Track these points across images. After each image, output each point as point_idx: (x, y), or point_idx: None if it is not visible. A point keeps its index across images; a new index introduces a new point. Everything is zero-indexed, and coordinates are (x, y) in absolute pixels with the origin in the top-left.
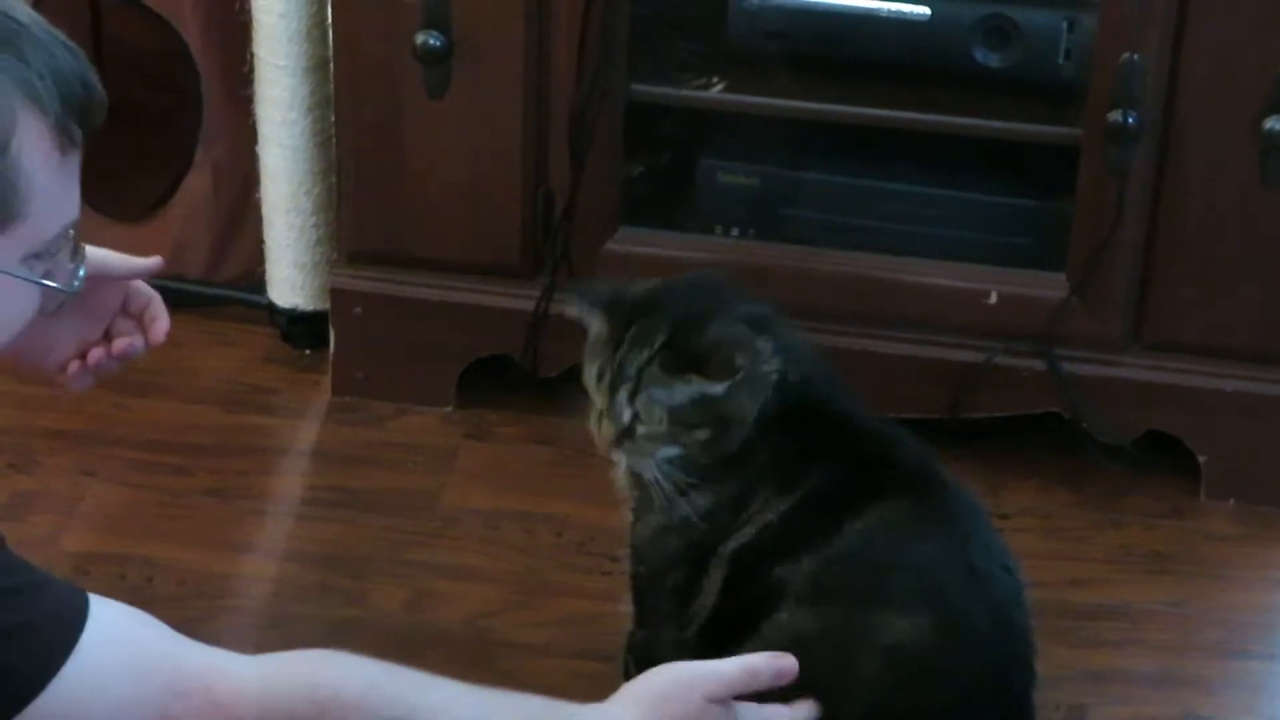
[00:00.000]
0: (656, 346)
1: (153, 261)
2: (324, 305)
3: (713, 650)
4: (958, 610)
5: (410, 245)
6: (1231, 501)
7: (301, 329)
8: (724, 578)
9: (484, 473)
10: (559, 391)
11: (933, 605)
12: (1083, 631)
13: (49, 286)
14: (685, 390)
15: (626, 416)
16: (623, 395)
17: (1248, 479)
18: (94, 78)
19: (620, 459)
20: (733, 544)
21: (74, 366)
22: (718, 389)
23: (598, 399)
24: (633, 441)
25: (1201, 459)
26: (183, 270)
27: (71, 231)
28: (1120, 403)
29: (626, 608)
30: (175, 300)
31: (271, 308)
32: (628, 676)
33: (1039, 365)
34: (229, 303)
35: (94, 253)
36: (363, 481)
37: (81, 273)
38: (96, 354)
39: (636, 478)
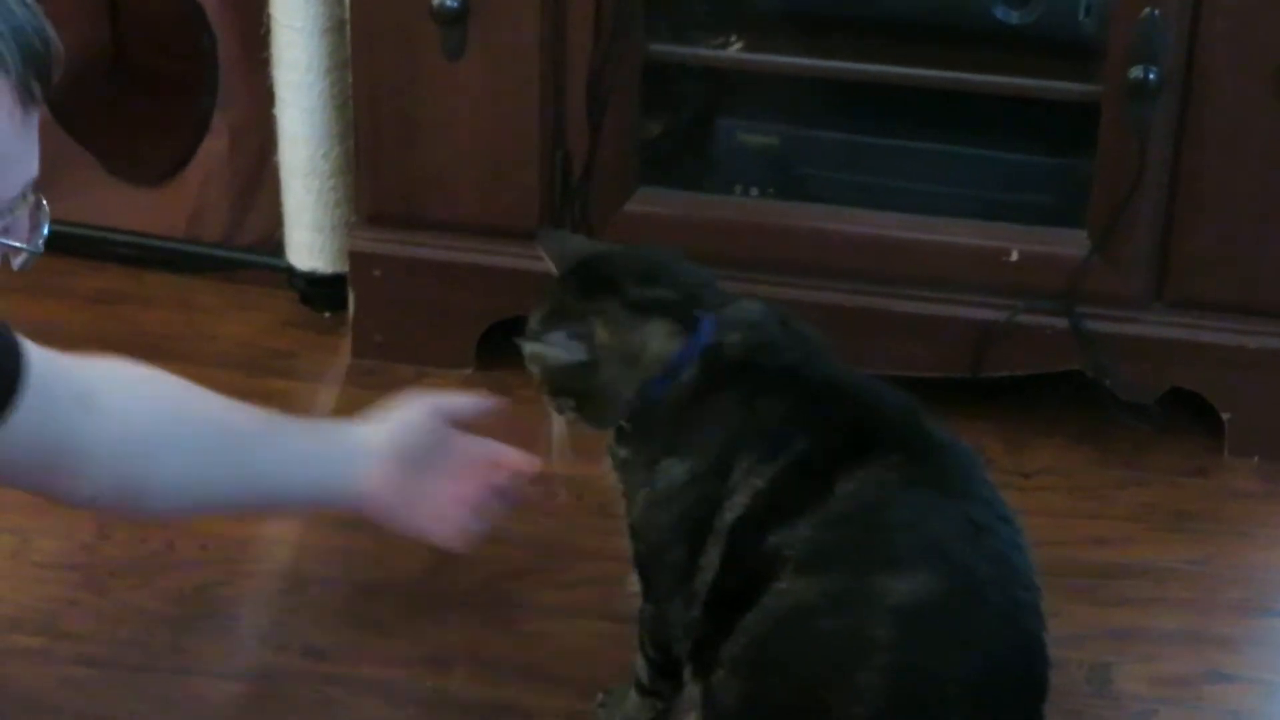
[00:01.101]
0: (547, 309)
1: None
2: (343, 268)
3: (718, 626)
4: (960, 565)
5: (429, 207)
6: (1256, 459)
7: (320, 292)
8: (721, 554)
9: (504, 435)
10: None
11: (934, 563)
12: (1105, 590)
13: (9, 245)
14: (549, 353)
15: (532, 369)
16: (525, 346)
17: (1272, 436)
18: (52, 32)
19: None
20: (728, 516)
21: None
22: (567, 358)
23: None
24: (541, 393)
25: (1225, 416)
26: (201, 234)
27: (30, 192)
28: (1143, 360)
29: (634, 587)
30: (194, 264)
31: (290, 271)
32: (643, 650)
33: (1060, 323)
34: (247, 266)
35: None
36: None
37: (45, 231)
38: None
39: (617, 463)
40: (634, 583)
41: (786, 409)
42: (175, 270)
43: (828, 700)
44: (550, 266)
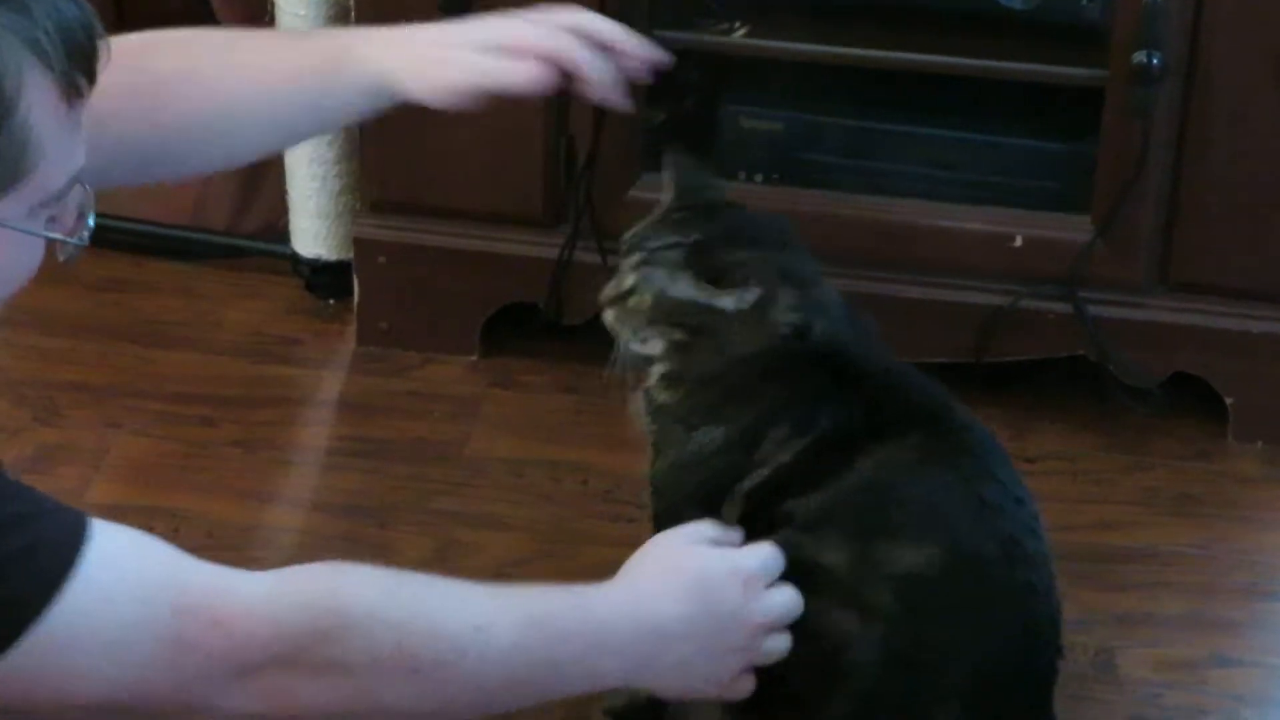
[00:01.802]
0: (689, 240)
1: None
2: (347, 255)
3: None
4: (966, 542)
5: (433, 194)
6: (1259, 443)
7: (325, 279)
8: (738, 516)
9: (509, 421)
10: (583, 339)
11: (939, 537)
12: (1110, 574)
13: (55, 238)
14: (685, 288)
15: (628, 281)
16: (633, 260)
17: (1275, 420)
18: (97, 23)
19: (608, 319)
20: (747, 484)
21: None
22: (724, 304)
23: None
24: (622, 309)
25: (1229, 401)
26: (206, 222)
27: (78, 182)
28: (1146, 345)
29: None
30: (198, 251)
31: (295, 258)
32: None
33: (1064, 308)
34: (252, 254)
35: None
36: (388, 431)
37: (91, 222)
38: None
39: (652, 409)
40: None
41: (824, 389)
42: (180, 258)
43: (822, 670)
44: (668, 188)
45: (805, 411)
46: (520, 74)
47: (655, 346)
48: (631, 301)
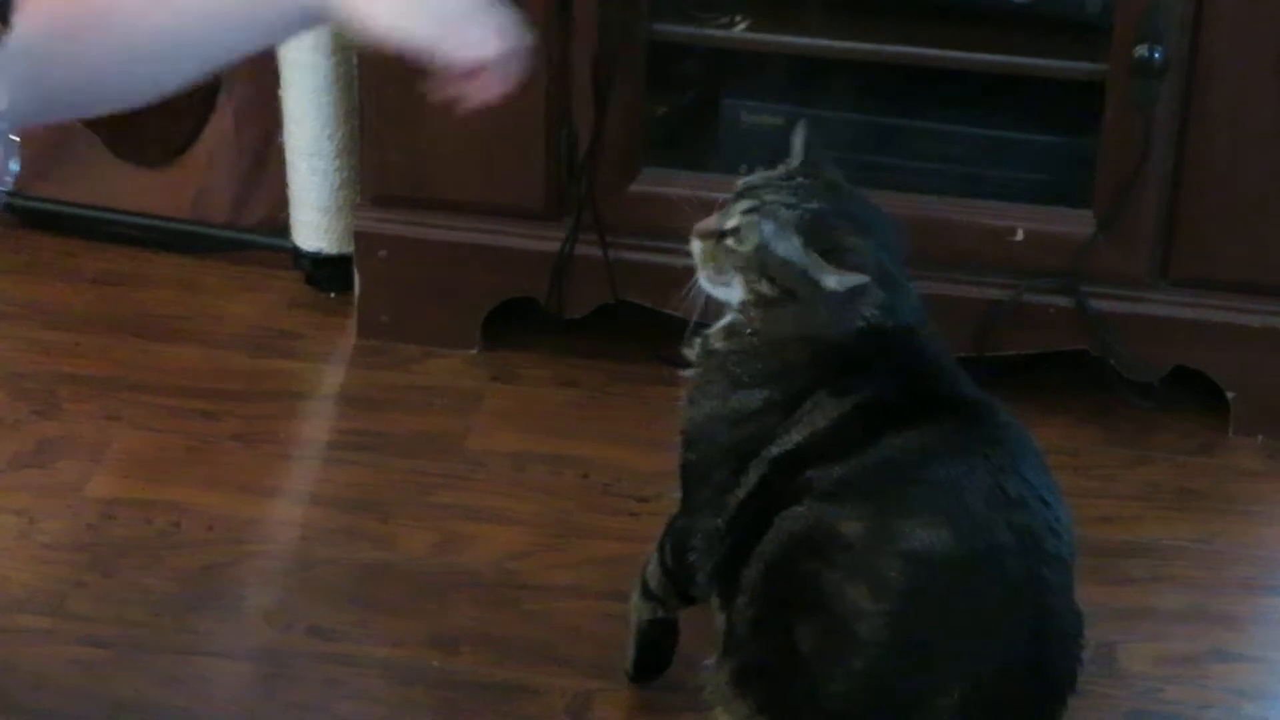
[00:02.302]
0: (807, 205)
1: None
2: (348, 249)
3: (738, 547)
4: (982, 530)
5: (434, 188)
6: (1260, 437)
7: (326, 273)
8: (761, 476)
9: (510, 415)
10: (584, 333)
11: (954, 521)
12: (1111, 569)
13: None
14: (794, 250)
15: (731, 222)
16: (743, 204)
17: (1276, 415)
18: None
19: (696, 250)
20: (776, 448)
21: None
22: (826, 281)
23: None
24: (716, 245)
25: (1229, 395)
26: (206, 215)
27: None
28: (1147, 339)
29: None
30: (199, 245)
31: (296, 252)
32: (660, 553)
33: (1066, 302)
34: (253, 247)
35: None
36: (389, 425)
37: (13, 166)
38: None
39: (707, 350)
40: (675, 489)
41: (873, 364)
42: (180, 251)
43: (829, 645)
44: (795, 153)
45: (847, 380)
46: (453, 53)
47: (734, 293)
48: (730, 241)
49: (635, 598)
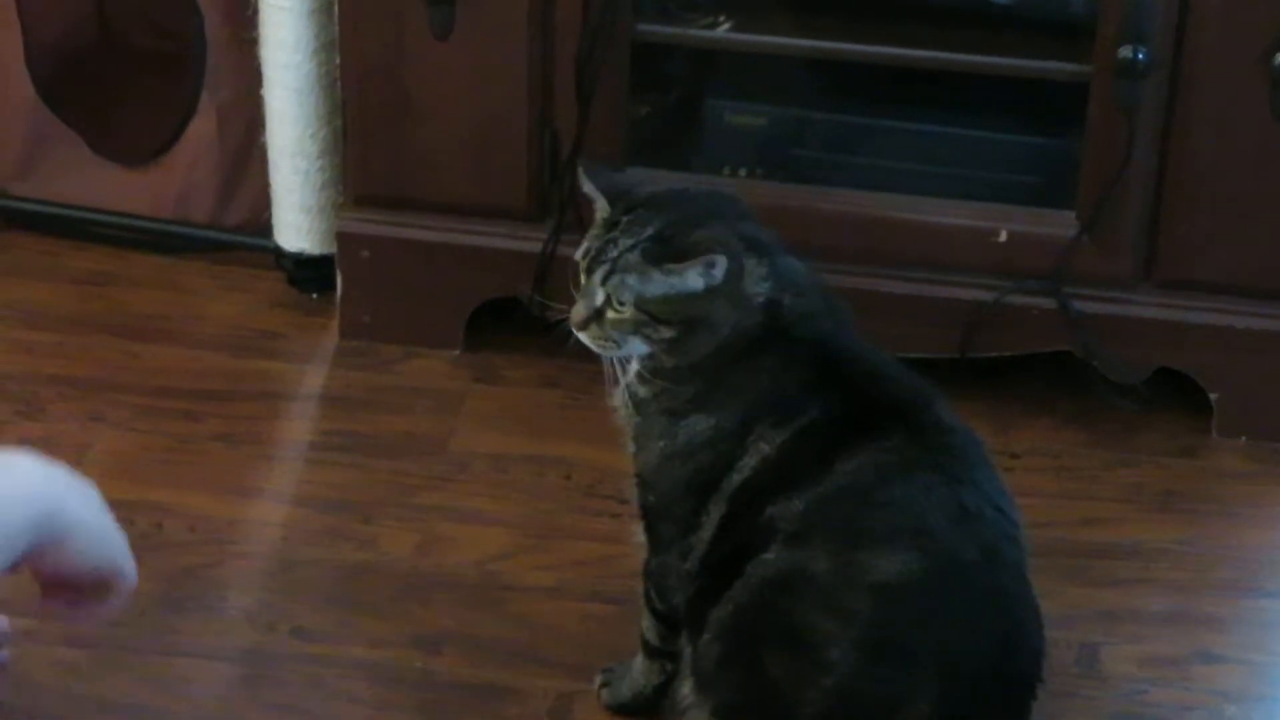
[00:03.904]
0: (644, 237)
1: None
2: (331, 249)
3: (709, 589)
4: (945, 549)
5: (417, 188)
6: (1243, 439)
7: (308, 273)
8: (722, 516)
9: (492, 416)
10: (567, 334)
11: (919, 544)
12: (1094, 570)
13: None
14: (660, 282)
15: (598, 298)
16: (598, 276)
17: (1259, 416)
18: None
19: (585, 340)
20: (735, 478)
21: None
22: (695, 285)
23: (581, 279)
24: (599, 326)
25: (1213, 397)
26: (188, 215)
27: None
28: (1131, 341)
29: (639, 538)
30: (181, 245)
31: (278, 252)
32: (648, 602)
33: (1049, 304)
34: (235, 247)
35: None
36: (371, 426)
37: None
38: None
39: (635, 402)
40: (638, 533)
41: (808, 378)
42: (162, 251)
43: (798, 669)
44: (598, 199)
45: (789, 402)
46: None
47: (637, 348)
48: (610, 316)
49: (640, 661)
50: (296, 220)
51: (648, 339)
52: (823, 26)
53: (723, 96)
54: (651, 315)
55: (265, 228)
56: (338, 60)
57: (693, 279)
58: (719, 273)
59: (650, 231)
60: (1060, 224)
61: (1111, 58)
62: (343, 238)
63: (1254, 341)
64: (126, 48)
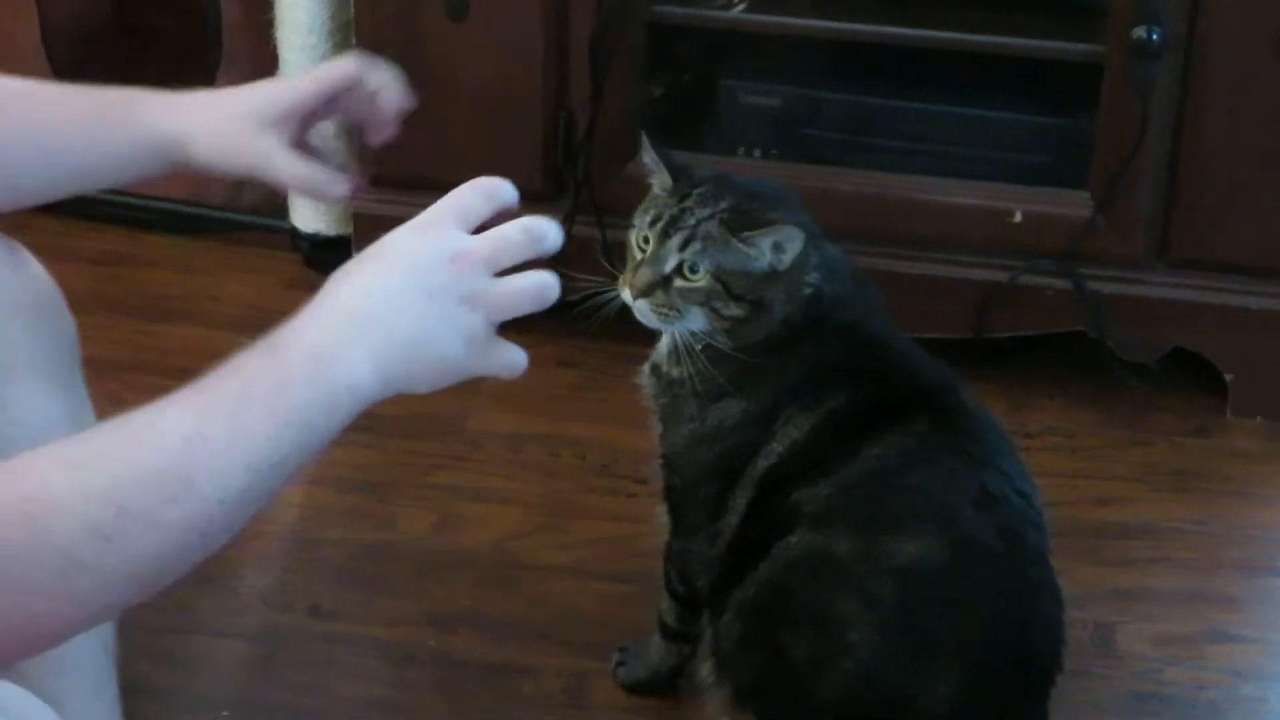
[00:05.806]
0: (721, 208)
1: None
2: (347, 230)
3: (734, 571)
4: (967, 534)
5: (432, 169)
6: (1258, 419)
7: (324, 254)
8: (749, 500)
9: (508, 396)
10: (583, 314)
11: (941, 529)
12: (1108, 550)
13: None
14: (739, 252)
15: (671, 263)
16: (675, 241)
17: (1274, 396)
18: None
19: (643, 309)
20: (761, 464)
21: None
22: (764, 263)
23: (640, 250)
24: (665, 293)
25: (1227, 376)
26: (204, 197)
27: None
28: (1145, 321)
29: (662, 519)
30: (197, 226)
31: (294, 233)
32: (669, 585)
33: (1063, 284)
34: (251, 229)
35: None
36: (388, 406)
37: None
38: None
39: (665, 382)
40: (661, 514)
41: (838, 364)
42: (178, 232)
43: (819, 651)
44: (660, 171)
45: (819, 388)
46: (286, 170)
47: (691, 324)
48: (679, 284)
49: (657, 642)
50: (312, 202)
51: (715, 312)
52: (837, 7)
53: (737, 77)
54: (726, 287)
55: (281, 209)
56: (354, 41)
57: (767, 254)
58: (787, 257)
59: (726, 204)
60: (1074, 204)
61: (1125, 38)
62: (359, 219)
63: (1268, 321)
64: (142, 30)
